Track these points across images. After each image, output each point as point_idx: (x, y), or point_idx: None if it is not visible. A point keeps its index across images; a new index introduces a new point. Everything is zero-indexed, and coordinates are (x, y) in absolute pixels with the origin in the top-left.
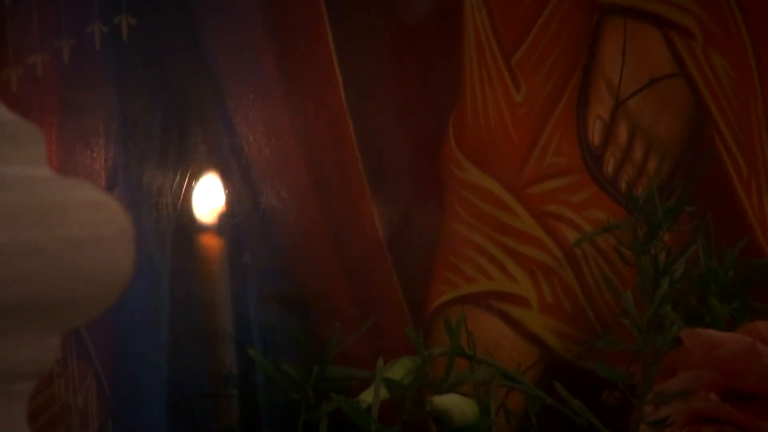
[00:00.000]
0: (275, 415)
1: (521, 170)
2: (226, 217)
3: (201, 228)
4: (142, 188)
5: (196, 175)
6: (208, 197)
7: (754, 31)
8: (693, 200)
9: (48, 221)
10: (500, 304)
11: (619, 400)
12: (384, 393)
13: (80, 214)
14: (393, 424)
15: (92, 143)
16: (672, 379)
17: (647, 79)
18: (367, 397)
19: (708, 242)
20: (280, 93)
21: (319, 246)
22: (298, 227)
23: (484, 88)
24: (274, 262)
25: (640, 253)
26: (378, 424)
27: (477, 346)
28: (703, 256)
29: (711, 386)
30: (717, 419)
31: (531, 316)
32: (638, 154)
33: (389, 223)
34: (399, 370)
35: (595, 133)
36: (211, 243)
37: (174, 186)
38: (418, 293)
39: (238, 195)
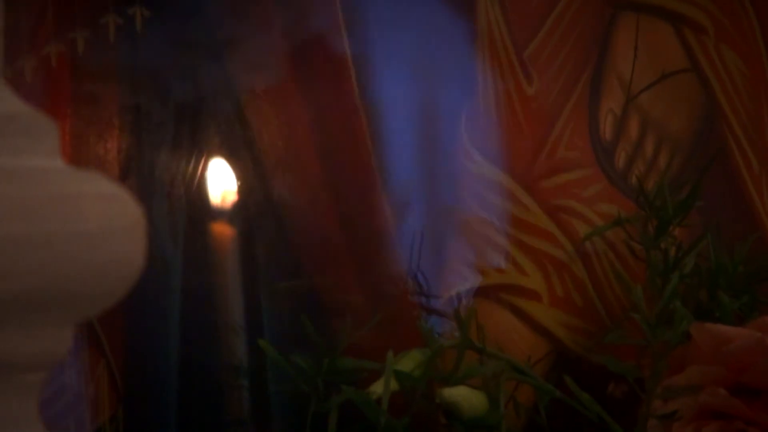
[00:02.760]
0: (285, 406)
1: (532, 164)
2: (238, 209)
3: (213, 219)
4: (154, 179)
5: (208, 166)
6: (221, 188)
7: (766, 26)
8: (703, 195)
9: (60, 214)
10: (510, 297)
11: (626, 393)
12: (394, 385)
13: (93, 207)
14: (403, 416)
15: (105, 134)
16: (681, 374)
17: (659, 74)
18: (377, 388)
19: (718, 237)
20: (293, 84)
21: (330, 237)
22: (310, 219)
23: (497, 82)
24: (285, 253)
25: (650, 247)
26: (388, 416)
27: (487, 339)
28: (712, 251)
29: (719, 381)
30: (725, 414)
31: (541, 309)
32: (649, 149)
33: (400, 215)
34: (409, 362)
35: (607, 127)
36: (223, 234)
37: (187, 177)
38: (429, 286)
39: (250, 186)
